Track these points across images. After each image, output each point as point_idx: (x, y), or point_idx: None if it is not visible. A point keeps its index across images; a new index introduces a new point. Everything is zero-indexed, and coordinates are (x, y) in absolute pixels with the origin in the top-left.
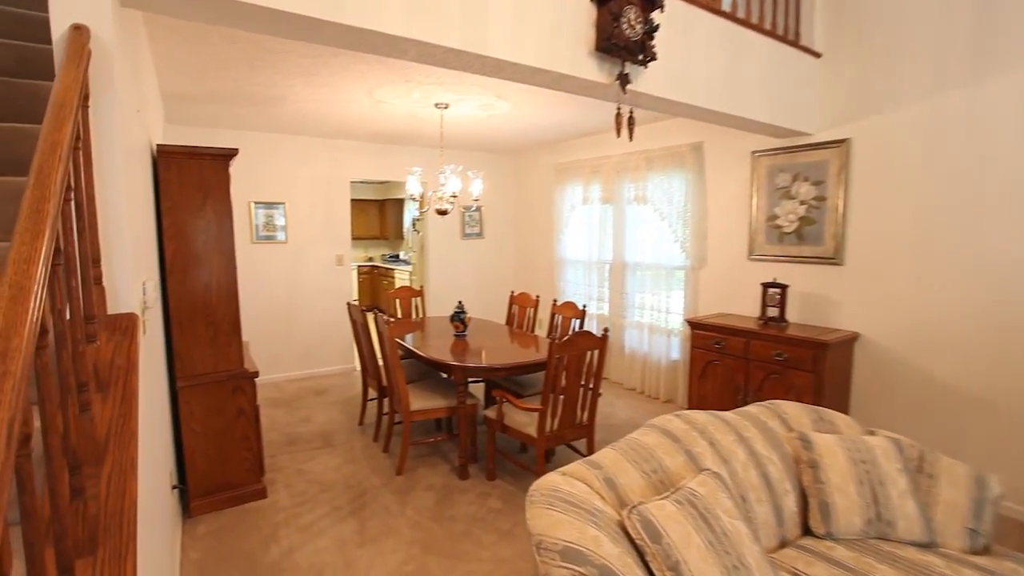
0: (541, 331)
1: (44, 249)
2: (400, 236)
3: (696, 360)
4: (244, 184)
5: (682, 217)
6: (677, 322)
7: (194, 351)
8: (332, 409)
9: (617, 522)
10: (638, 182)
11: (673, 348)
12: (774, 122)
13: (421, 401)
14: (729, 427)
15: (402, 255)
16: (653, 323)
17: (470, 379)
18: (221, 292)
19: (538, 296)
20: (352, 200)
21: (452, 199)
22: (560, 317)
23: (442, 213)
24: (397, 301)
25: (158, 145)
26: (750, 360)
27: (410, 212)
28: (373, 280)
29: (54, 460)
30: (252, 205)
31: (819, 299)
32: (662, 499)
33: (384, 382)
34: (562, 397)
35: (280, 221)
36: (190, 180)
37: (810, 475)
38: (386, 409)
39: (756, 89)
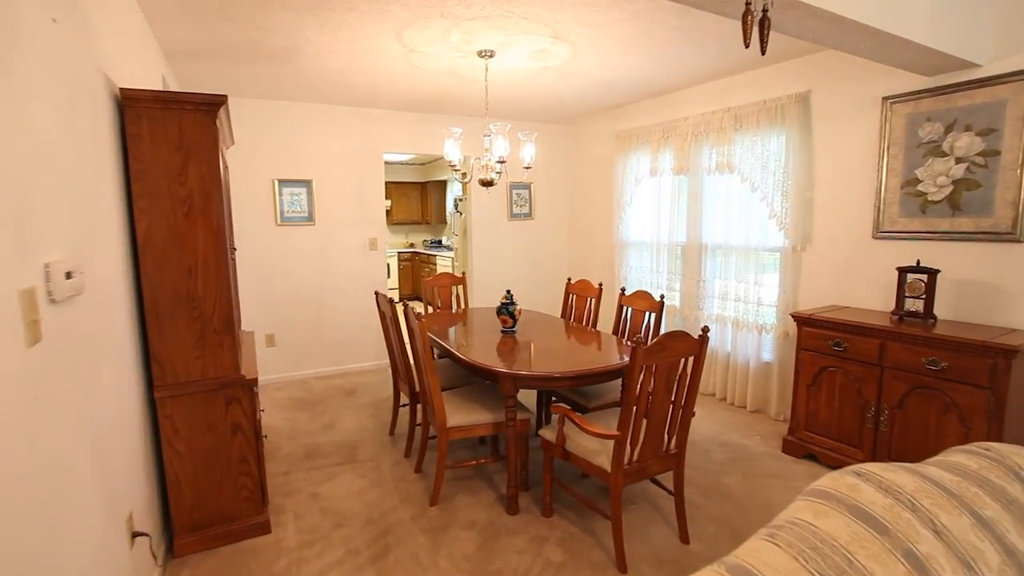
0: (604, 327)
1: None
2: (443, 220)
3: (805, 365)
4: (267, 161)
5: (780, 187)
6: (770, 316)
7: (176, 353)
8: (361, 413)
9: None
10: (722, 146)
11: (765, 347)
12: (938, 47)
13: (460, 415)
14: (952, 498)
15: (444, 240)
16: (739, 317)
17: (522, 388)
18: (210, 278)
19: (600, 284)
20: (392, 183)
21: (499, 165)
22: (629, 310)
23: (487, 184)
24: (435, 289)
25: (122, 89)
26: (886, 368)
27: (453, 193)
28: (414, 267)
29: None
30: (276, 184)
31: (984, 288)
32: None
33: (416, 387)
34: (645, 419)
35: (307, 201)
36: (166, 136)
37: None
38: (419, 419)
39: (918, 2)
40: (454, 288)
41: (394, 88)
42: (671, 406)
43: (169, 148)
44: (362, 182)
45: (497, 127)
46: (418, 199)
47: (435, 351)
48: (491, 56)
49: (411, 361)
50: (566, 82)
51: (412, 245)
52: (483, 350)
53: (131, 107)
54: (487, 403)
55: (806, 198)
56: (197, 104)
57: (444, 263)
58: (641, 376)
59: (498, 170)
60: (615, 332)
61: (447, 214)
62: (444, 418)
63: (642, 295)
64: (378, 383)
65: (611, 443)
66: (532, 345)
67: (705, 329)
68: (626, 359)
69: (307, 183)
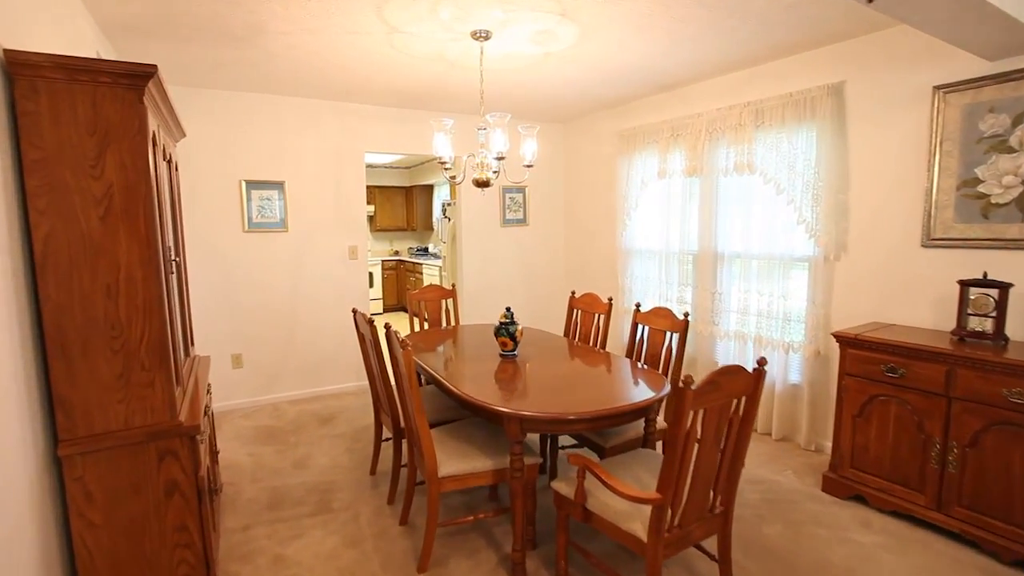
0: (612, 347)
1: None
2: (429, 227)
3: (851, 392)
4: (233, 160)
5: (810, 189)
6: (798, 332)
7: (90, 397)
8: (338, 446)
9: None
10: (740, 144)
11: (792, 368)
12: (1021, 16)
13: (455, 461)
14: None
15: (431, 248)
16: (761, 333)
17: (530, 432)
18: (136, 299)
19: (610, 300)
20: (375, 187)
21: (496, 163)
22: (646, 329)
23: (482, 184)
24: (422, 303)
25: (7, 51)
26: (954, 399)
27: (440, 198)
28: (399, 276)
29: None
30: (244, 186)
31: None
32: None
33: (402, 422)
34: (690, 476)
35: (279, 205)
36: (74, 116)
37: None
38: (405, 458)
39: None
40: (443, 302)
41: (376, 79)
42: (719, 456)
43: (79, 132)
44: (341, 184)
45: (495, 118)
46: (403, 204)
47: (422, 376)
48: (486, 38)
49: (395, 392)
50: (568, 73)
51: (397, 253)
52: (481, 381)
53: (23, 76)
54: (486, 445)
55: (839, 201)
56: (117, 75)
57: (431, 272)
58: (689, 423)
59: (495, 168)
60: (629, 354)
61: (434, 220)
62: (435, 466)
63: (662, 313)
64: (358, 408)
65: (646, 506)
66: (537, 373)
67: (762, 362)
68: (652, 393)
69: (279, 185)
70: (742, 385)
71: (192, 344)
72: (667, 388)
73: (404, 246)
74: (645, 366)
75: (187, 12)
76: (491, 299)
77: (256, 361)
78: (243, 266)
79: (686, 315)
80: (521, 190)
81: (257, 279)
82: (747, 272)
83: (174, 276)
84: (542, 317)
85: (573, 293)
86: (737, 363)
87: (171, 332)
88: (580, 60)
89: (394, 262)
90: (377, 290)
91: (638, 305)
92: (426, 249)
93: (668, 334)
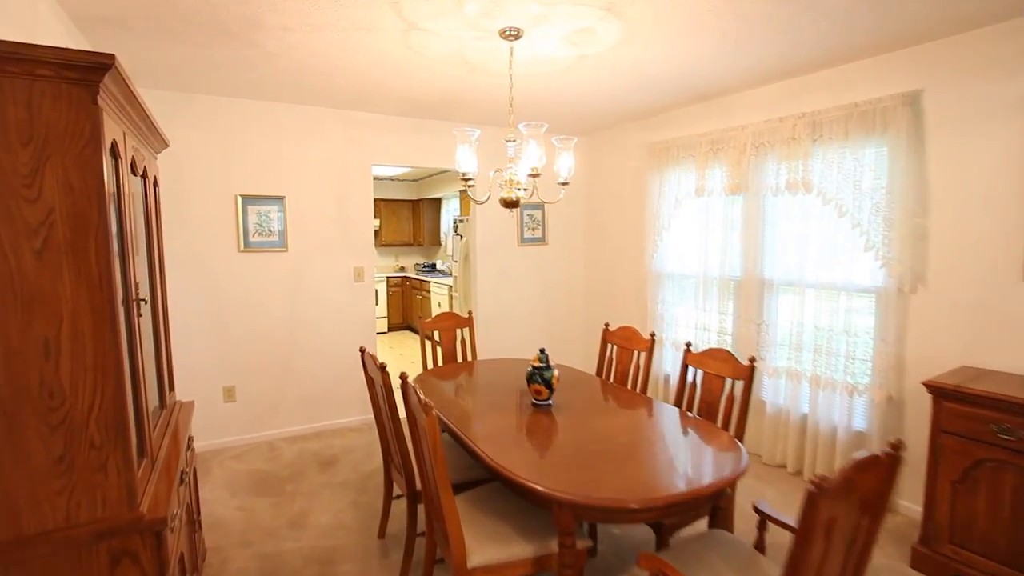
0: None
1: None
2: (436, 242)
3: (949, 454)
4: (228, 173)
5: (880, 211)
6: (864, 373)
7: (18, 488)
8: (341, 498)
9: None
10: (794, 160)
11: (857, 413)
12: None
13: (488, 547)
14: None
15: (439, 264)
16: (818, 372)
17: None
18: (84, 356)
19: (653, 336)
20: (380, 200)
21: (531, 179)
22: (699, 373)
23: (510, 205)
24: (437, 333)
25: None
26: None
27: (448, 212)
28: (405, 294)
29: None
30: (239, 200)
31: None
32: None
33: (418, 484)
34: None
35: (278, 222)
36: (1, 121)
37: None
38: (421, 525)
39: None
40: (459, 331)
41: (387, 85)
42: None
43: (6, 140)
44: (346, 200)
45: (529, 128)
46: (409, 219)
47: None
48: (516, 37)
49: (408, 447)
50: (600, 79)
51: (403, 269)
52: (512, 441)
53: None
54: (524, 522)
55: (916, 226)
56: (62, 67)
57: (439, 290)
58: (818, 532)
59: (523, 187)
60: (678, 402)
61: (442, 235)
62: (463, 554)
63: (720, 356)
64: (362, 447)
65: None
66: (579, 431)
67: (898, 446)
68: (730, 466)
69: (279, 200)
70: (877, 479)
71: (172, 389)
72: (745, 458)
73: (410, 262)
74: (697, 416)
75: (170, 1)
76: (506, 325)
77: (250, 394)
78: (237, 289)
79: (752, 360)
80: (540, 206)
81: (252, 303)
82: (800, 303)
83: (143, 318)
84: (559, 344)
85: (607, 326)
86: (790, 405)
87: (136, 392)
88: (616, 65)
89: (400, 279)
90: (382, 308)
91: (688, 345)
92: (433, 265)
93: (728, 381)
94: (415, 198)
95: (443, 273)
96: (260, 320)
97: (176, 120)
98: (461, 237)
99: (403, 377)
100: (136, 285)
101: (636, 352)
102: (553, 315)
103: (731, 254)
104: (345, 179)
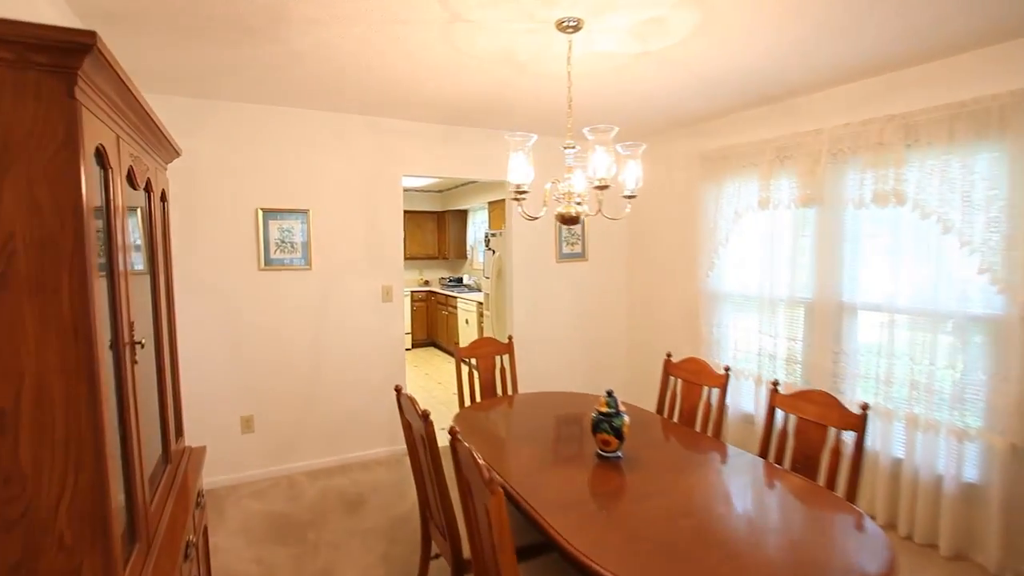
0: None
1: None
2: (462, 255)
3: None
4: (248, 184)
5: (998, 228)
6: (975, 415)
7: None
8: (370, 548)
9: None
10: (883, 168)
11: (968, 461)
12: None
13: None
14: None
15: (466, 279)
16: (915, 411)
17: None
18: (51, 431)
19: (728, 369)
20: (404, 212)
21: (596, 191)
22: (791, 419)
23: (570, 221)
24: (475, 361)
25: None
26: None
27: (476, 225)
28: (430, 309)
29: None
30: (260, 215)
31: None
32: None
33: (465, 550)
34: None
35: (301, 237)
36: None
37: None
38: None
39: None
40: (498, 359)
41: (423, 87)
42: None
43: None
44: (374, 214)
45: (595, 134)
46: (434, 231)
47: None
48: (576, 29)
49: (450, 502)
50: (656, 80)
51: (427, 283)
52: (588, 516)
53: None
54: None
55: None
56: (25, 47)
57: (467, 307)
58: None
59: (579, 202)
60: (764, 452)
61: (467, 248)
62: None
63: (821, 400)
64: (391, 485)
65: None
66: (662, 493)
67: None
68: (877, 558)
69: (302, 214)
70: None
71: (180, 435)
72: (888, 548)
73: (435, 276)
74: (792, 471)
75: None
76: (542, 350)
77: (270, 424)
78: (256, 310)
79: (865, 408)
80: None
81: (272, 325)
82: (889, 329)
83: (140, 363)
84: (601, 372)
85: (669, 357)
86: (879, 447)
87: (127, 465)
88: (679, 62)
89: (424, 293)
90: (406, 324)
91: (775, 384)
92: (460, 280)
93: (833, 431)
94: (440, 210)
95: (470, 288)
96: (280, 343)
97: (191, 128)
98: (493, 252)
99: (453, 435)
100: (131, 325)
101: (706, 388)
102: (593, 339)
103: (802, 273)
104: (373, 191)
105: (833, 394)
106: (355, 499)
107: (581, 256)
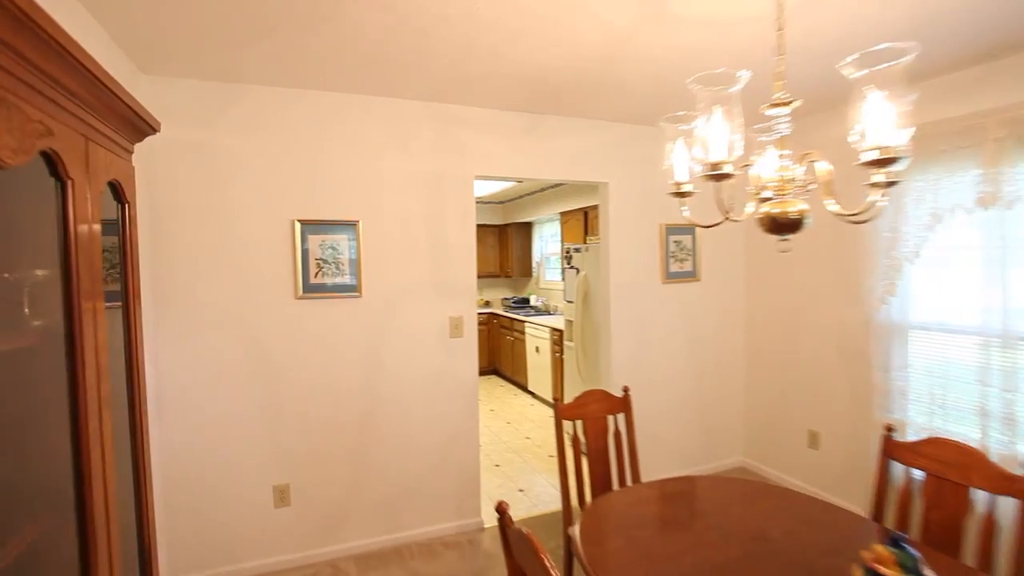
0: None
1: None
2: (527, 273)
3: None
4: (282, 189)
5: None
6: None
7: None
8: None
9: None
10: None
11: None
12: None
13: None
14: None
15: (533, 300)
16: None
17: None
18: None
19: None
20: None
21: (873, 168)
22: None
23: (788, 228)
24: (579, 424)
25: None
26: None
27: (543, 239)
28: (491, 333)
29: None
30: (298, 228)
31: None
32: None
33: None
34: None
35: (349, 255)
36: None
37: None
38: None
39: None
40: (611, 419)
41: (504, 54)
42: None
43: None
44: (440, 226)
45: (867, 70)
46: (495, 246)
47: None
48: None
49: None
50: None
51: (488, 304)
52: None
53: None
54: None
55: None
56: None
57: (537, 332)
58: None
59: (810, 185)
60: None
61: (533, 265)
62: None
63: None
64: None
65: None
66: None
67: None
68: None
69: (351, 226)
70: None
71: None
72: None
73: (496, 296)
74: None
75: None
76: (646, 394)
77: (309, 495)
78: (292, 350)
79: None
80: (690, 230)
81: (315, 369)
82: None
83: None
84: (716, 428)
85: (890, 432)
86: None
87: None
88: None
89: (485, 315)
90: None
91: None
92: (526, 300)
93: None
94: (502, 223)
95: (537, 310)
96: (323, 392)
97: (209, 117)
98: (577, 271)
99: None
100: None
101: (973, 492)
102: (707, 382)
103: None
104: (439, 198)
105: None
106: None
107: (692, 275)
